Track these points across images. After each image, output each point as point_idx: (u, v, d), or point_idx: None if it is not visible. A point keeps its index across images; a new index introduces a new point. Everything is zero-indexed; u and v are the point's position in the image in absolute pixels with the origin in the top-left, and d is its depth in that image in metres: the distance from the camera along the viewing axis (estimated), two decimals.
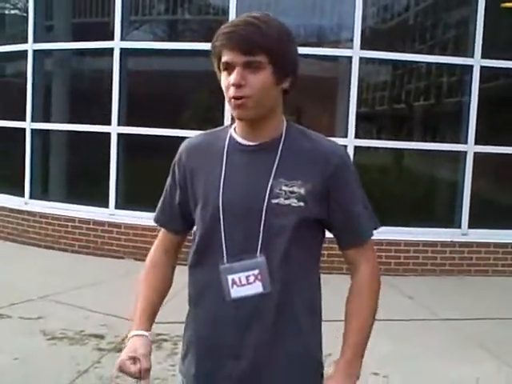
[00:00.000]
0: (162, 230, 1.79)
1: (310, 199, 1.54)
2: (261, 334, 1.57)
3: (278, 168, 1.55)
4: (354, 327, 1.61)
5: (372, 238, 1.65)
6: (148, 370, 1.55)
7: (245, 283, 1.56)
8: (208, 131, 1.74)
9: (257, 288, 1.56)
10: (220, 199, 1.57)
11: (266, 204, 1.54)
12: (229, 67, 1.51)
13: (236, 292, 1.57)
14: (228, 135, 1.63)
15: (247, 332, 1.57)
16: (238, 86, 1.49)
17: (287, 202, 1.54)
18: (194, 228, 1.69)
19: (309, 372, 1.62)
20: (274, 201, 1.54)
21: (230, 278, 1.56)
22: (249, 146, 1.59)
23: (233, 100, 1.51)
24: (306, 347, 1.61)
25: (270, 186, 1.54)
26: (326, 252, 6.78)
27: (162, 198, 1.77)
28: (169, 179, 1.73)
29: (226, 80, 1.51)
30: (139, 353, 1.56)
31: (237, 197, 1.56)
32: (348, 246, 1.64)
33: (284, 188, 1.54)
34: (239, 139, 1.61)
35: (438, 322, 5.19)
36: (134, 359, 1.55)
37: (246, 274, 1.55)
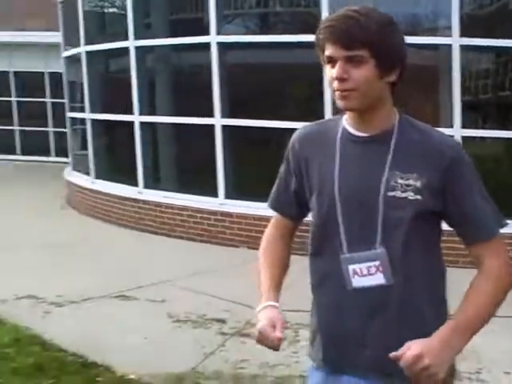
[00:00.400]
0: (276, 216, 1.81)
1: (425, 193, 1.53)
2: (384, 324, 1.58)
3: (393, 160, 1.55)
4: (471, 304, 1.55)
5: (498, 233, 1.60)
6: (281, 340, 1.58)
7: (366, 274, 1.57)
8: (319, 121, 1.77)
9: (379, 279, 1.57)
10: (336, 190, 1.58)
11: (382, 196, 1.55)
12: (332, 60, 1.52)
13: (357, 282, 1.58)
14: (341, 126, 1.64)
15: (370, 321, 1.59)
16: (340, 79, 1.50)
17: (404, 194, 1.54)
18: (310, 217, 1.71)
19: None
20: (391, 193, 1.54)
21: (350, 267, 1.58)
22: (361, 137, 1.60)
23: (337, 92, 1.53)
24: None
25: (385, 178, 1.55)
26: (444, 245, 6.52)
27: (275, 185, 1.79)
28: (283, 166, 1.75)
29: (330, 73, 1.54)
30: (276, 318, 1.60)
31: (351, 188, 1.58)
32: (470, 241, 1.60)
33: (400, 181, 1.54)
34: (351, 130, 1.62)
35: None
36: (274, 326, 1.58)
37: (367, 264, 1.56)
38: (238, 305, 4.98)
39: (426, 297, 1.61)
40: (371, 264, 1.56)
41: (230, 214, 6.95)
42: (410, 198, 1.54)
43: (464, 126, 6.56)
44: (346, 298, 1.61)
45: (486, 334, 4.73)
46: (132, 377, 3.71)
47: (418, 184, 1.53)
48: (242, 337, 4.38)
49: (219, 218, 7.01)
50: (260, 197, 6.64)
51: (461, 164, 1.57)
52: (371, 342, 1.59)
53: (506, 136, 6.81)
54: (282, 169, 1.76)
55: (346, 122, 1.64)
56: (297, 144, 1.70)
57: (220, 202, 7.09)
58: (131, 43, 7.89)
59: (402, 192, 1.54)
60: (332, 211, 1.60)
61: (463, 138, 6.42)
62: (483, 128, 7.08)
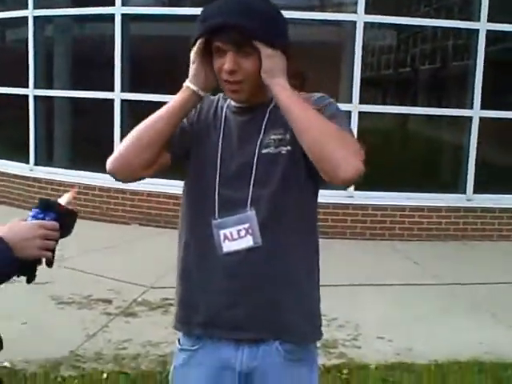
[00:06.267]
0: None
1: (296, 143, 1.53)
2: (253, 283, 1.60)
3: (268, 122, 1.60)
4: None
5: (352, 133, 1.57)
6: None
7: (236, 237, 1.58)
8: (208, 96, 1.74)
9: (247, 242, 1.58)
10: (218, 158, 1.61)
11: (256, 155, 1.58)
12: (220, 51, 1.53)
13: (228, 246, 1.59)
14: (225, 100, 1.68)
15: (240, 281, 1.60)
16: (231, 72, 1.52)
17: (277, 150, 1.58)
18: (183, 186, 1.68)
19: (306, 318, 1.66)
20: (264, 150, 1.58)
21: (221, 232, 1.59)
22: (242, 107, 1.63)
23: (227, 84, 1.55)
24: (301, 297, 1.64)
25: (260, 138, 1.59)
26: (329, 217, 6.71)
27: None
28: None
29: (218, 63, 1.54)
30: None
31: (232, 155, 1.61)
32: None
33: (272, 137, 1.59)
34: (233, 102, 1.65)
35: (443, 287, 5.24)
36: None
37: (237, 228, 1.57)
38: (126, 283, 4.92)
39: (297, 255, 1.62)
40: (241, 227, 1.57)
41: (123, 191, 6.79)
42: (283, 152, 1.57)
43: (362, 102, 6.66)
44: (216, 262, 1.60)
45: (363, 302, 4.87)
46: (5, 364, 3.55)
47: (288, 136, 1.57)
48: (126, 316, 4.33)
49: (112, 194, 6.86)
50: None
51: (328, 107, 1.57)
52: (242, 301, 1.60)
53: (401, 112, 6.99)
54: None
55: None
56: (203, 106, 1.68)
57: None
58: (30, 12, 7.58)
59: (276, 147, 1.58)
60: (211, 178, 1.60)
61: (360, 113, 6.55)
62: (382, 104, 7.21)
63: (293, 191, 1.58)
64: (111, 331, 4.06)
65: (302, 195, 1.61)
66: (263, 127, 1.60)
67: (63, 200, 1.47)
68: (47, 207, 1.43)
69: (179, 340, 1.73)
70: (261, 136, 1.60)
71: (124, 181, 1.67)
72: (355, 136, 1.59)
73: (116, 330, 4.08)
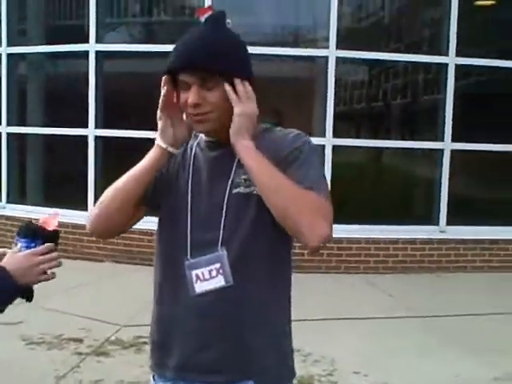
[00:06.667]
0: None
1: None
2: (224, 324, 1.58)
3: (239, 161, 1.57)
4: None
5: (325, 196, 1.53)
6: None
7: (208, 278, 1.57)
8: None
9: (219, 281, 1.57)
10: (189, 196, 1.60)
11: (227, 195, 1.57)
12: (184, 86, 1.54)
13: (200, 287, 1.58)
14: (196, 138, 1.68)
15: (211, 323, 1.57)
16: (195, 105, 1.52)
17: (248, 190, 1.56)
18: (157, 228, 1.69)
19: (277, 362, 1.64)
20: (235, 190, 1.57)
21: (193, 273, 1.58)
22: (212, 142, 1.63)
23: (192, 116, 1.55)
24: (272, 339, 1.62)
25: (231, 177, 1.57)
26: (304, 251, 6.65)
27: None
28: None
29: (183, 98, 1.55)
30: None
31: (202, 193, 1.60)
32: None
33: (243, 176, 1.56)
34: (205, 137, 1.65)
35: (419, 320, 5.22)
36: None
37: (209, 268, 1.57)
38: (98, 322, 4.83)
39: (268, 298, 1.60)
40: (212, 267, 1.56)
41: None
42: (255, 192, 1.55)
43: (336, 136, 6.73)
44: (188, 303, 1.59)
45: (338, 337, 4.83)
46: None
47: None
48: (98, 356, 4.24)
49: (85, 231, 6.62)
50: None
51: (303, 152, 1.56)
52: (214, 342, 1.58)
53: (374, 145, 7.07)
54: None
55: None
56: (180, 152, 1.67)
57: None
58: (3, 50, 7.60)
59: (246, 187, 1.56)
60: (183, 220, 1.59)
61: (334, 147, 6.61)
62: (356, 137, 7.27)
63: (263, 238, 1.57)
64: (82, 372, 3.97)
65: (272, 241, 1.59)
66: (234, 165, 1.58)
67: (48, 224, 1.56)
68: (34, 234, 1.52)
69: (154, 376, 1.71)
70: (232, 174, 1.58)
71: (105, 238, 1.78)
72: (327, 185, 1.57)
73: (87, 371, 3.99)
